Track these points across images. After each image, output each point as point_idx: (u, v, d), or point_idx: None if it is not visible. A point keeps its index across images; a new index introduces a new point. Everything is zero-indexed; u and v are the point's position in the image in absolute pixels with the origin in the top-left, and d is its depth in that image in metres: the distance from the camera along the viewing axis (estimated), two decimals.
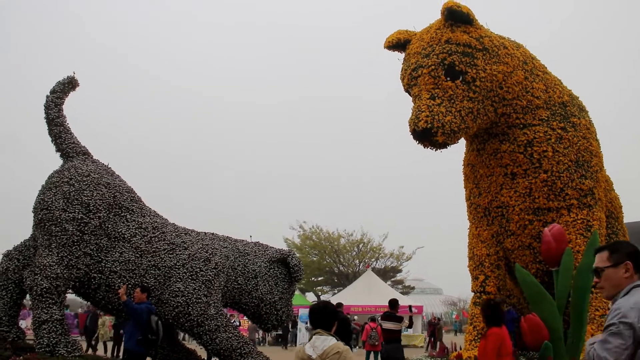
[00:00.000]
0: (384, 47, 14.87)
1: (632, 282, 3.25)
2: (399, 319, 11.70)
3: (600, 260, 3.30)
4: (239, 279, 11.54)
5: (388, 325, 11.63)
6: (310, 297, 55.87)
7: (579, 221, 14.04)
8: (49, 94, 12.18)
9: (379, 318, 12.75)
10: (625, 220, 17.07)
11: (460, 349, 15.79)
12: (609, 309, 11.96)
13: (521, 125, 14.31)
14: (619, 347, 2.95)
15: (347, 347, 4.94)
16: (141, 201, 12.28)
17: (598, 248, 3.47)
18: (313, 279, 55.23)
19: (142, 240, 11.49)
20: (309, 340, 4.83)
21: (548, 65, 15.48)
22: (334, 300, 34.34)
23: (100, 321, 21.54)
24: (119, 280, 11.00)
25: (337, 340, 4.76)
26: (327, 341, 4.67)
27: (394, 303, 11.95)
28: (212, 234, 12.36)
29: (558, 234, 8.36)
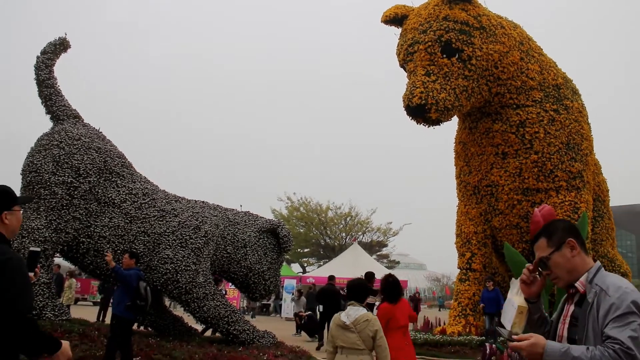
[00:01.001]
0: (381, 21, 14.77)
1: (585, 260, 2.87)
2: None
3: (541, 249, 2.91)
4: (228, 247, 11.54)
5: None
6: (296, 268, 56.15)
7: (566, 203, 14.18)
8: (39, 54, 11.96)
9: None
10: (611, 203, 17.22)
11: (444, 324, 16.03)
12: None
13: (514, 106, 14.35)
14: None
15: (374, 316, 5.81)
16: (132, 167, 12.15)
17: (533, 238, 3.05)
18: (299, 250, 55.39)
19: (132, 206, 11.40)
20: (344, 310, 5.66)
21: (545, 47, 15.46)
22: (323, 272, 34.62)
23: (66, 284, 20.87)
24: (108, 246, 10.92)
25: (367, 311, 5.61)
26: (359, 311, 5.54)
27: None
28: (203, 202, 12.30)
29: (548, 214, 8.42)
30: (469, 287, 15.08)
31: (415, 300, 30.66)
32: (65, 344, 3.03)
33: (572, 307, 2.87)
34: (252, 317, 28.92)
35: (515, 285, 3.13)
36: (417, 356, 11.26)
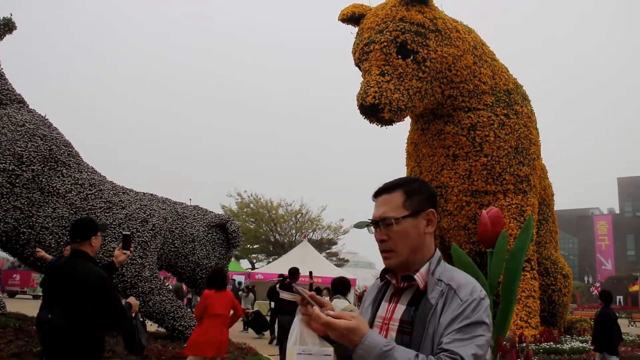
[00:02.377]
0: (338, 19, 14.75)
1: (432, 244, 2.31)
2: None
3: (389, 205, 2.17)
4: (176, 241, 11.36)
5: (285, 295, 10.55)
6: (245, 264, 55.85)
7: (513, 206, 14.48)
8: None
9: (277, 287, 11.93)
10: (556, 207, 17.69)
11: None
12: (535, 291, 12.42)
13: (466, 109, 14.56)
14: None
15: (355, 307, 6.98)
16: (79, 156, 11.80)
17: (382, 187, 2.29)
18: (249, 246, 55.12)
19: (78, 197, 11.07)
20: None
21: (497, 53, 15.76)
22: (272, 269, 34.47)
23: None
24: (51, 237, 10.59)
25: (349, 302, 6.74)
26: (344, 303, 6.65)
27: (293, 272, 11.22)
28: (151, 194, 12.06)
29: (495, 217, 8.56)
30: None
31: (361, 299, 30.74)
32: None
33: (400, 307, 2.19)
34: None
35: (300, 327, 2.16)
36: None
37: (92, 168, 11.96)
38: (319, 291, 14.60)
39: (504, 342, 8.30)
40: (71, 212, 10.94)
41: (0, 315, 10.22)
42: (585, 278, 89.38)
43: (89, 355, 3.97)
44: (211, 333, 7.45)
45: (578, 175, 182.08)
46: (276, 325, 14.05)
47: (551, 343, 12.87)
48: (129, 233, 5.11)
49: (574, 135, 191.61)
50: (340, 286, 7.13)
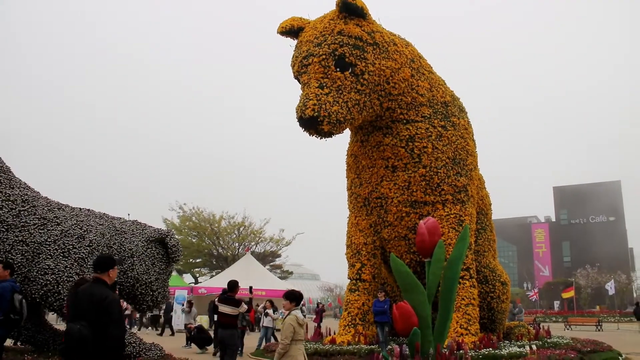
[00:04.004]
0: (277, 32, 14.83)
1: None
2: (237, 303, 10.68)
3: None
4: (116, 257, 11.12)
5: (225, 309, 10.59)
6: (188, 279, 55.00)
7: (452, 215, 14.81)
8: None
9: (216, 300, 11.82)
10: (497, 216, 18.19)
11: (334, 333, 16.23)
12: (474, 298, 12.72)
13: (404, 121, 14.84)
14: None
15: None
16: (10, 172, 11.43)
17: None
18: (191, 260, 54.37)
19: (9, 214, 10.71)
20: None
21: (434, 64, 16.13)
22: (215, 282, 34.07)
23: None
24: None
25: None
26: (300, 313, 7.57)
27: (232, 285, 11.07)
28: (88, 209, 11.78)
29: (432, 227, 8.80)
30: (358, 297, 15.36)
31: (320, 312, 30.46)
32: None
33: None
34: (139, 329, 27.93)
35: None
36: None
37: (25, 184, 11.60)
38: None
39: (443, 350, 8.47)
40: (2, 229, 10.56)
41: None
42: (525, 284, 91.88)
43: (106, 356, 5.24)
44: None
45: (517, 185, 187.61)
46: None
47: (490, 349, 13.17)
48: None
49: (513, 145, 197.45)
50: (299, 298, 7.87)
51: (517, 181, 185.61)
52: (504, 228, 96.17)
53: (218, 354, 17.35)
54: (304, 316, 7.99)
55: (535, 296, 63.31)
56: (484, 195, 17.39)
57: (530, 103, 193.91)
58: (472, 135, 16.01)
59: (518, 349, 13.47)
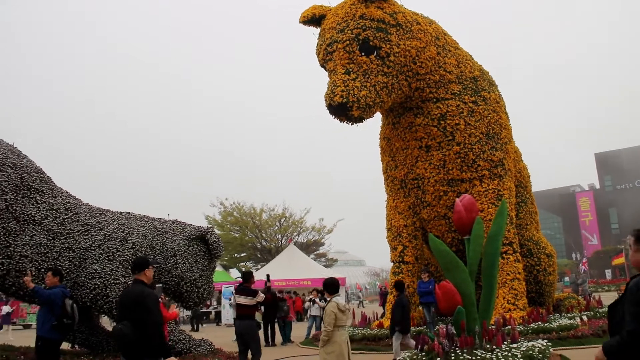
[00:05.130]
0: (299, 22, 14.83)
1: None
2: (253, 293, 10.37)
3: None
4: (157, 257, 11.33)
5: (241, 299, 10.36)
6: (234, 274, 55.62)
7: (490, 191, 14.65)
8: None
9: (233, 292, 11.67)
10: (535, 189, 17.90)
11: (381, 317, 16.28)
12: (519, 273, 12.54)
13: (435, 99, 14.71)
14: None
15: None
16: (51, 181, 11.74)
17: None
18: (236, 255, 54.91)
19: (54, 222, 11.03)
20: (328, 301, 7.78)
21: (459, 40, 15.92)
22: (261, 275, 34.44)
23: None
24: (31, 265, 10.52)
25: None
26: (342, 299, 7.46)
27: (247, 275, 10.92)
28: (129, 213, 12.03)
29: (469, 204, 8.69)
30: (403, 280, 15.34)
31: (384, 295, 30.36)
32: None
33: None
34: (195, 328, 28.31)
35: None
36: (355, 351, 11.44)
37: (67, 192, 11.91)
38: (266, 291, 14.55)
39: (490, 326, 8.42)
40: (49, 237, 10.89)
41: None
42: (573, 255, 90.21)
43: (149, 352, 5.67)
44: None
45: (557, 154, 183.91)
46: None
47: (539, 322, 13.03)
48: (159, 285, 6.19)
49: (549, 115, 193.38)
50: (334, 286, 7.95)
51: (556, 151, 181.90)
52: (546, 200, 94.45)
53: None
54: (349, 302, 8.05)
55: (584, 266, 62.16)
56: (522, 168, 17.13)
57: (573, 70, 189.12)
58: (505, 108, 15.78)
59: (568, 321, 13.30)
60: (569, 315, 14.99)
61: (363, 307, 45.79)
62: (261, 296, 10.36)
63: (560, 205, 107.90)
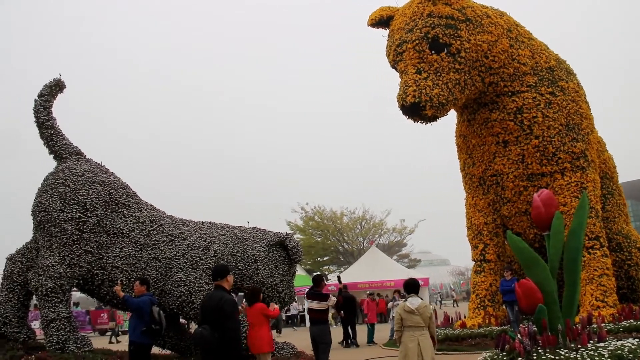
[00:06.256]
0: (368, 25, 14.90)
1: None
2: (325, 297, 10.25)
3: None
4: (239, 264, 11.65)
5: (312, 304, 10.29)
6: None
7: (573, 184, 14.16)
8: (37, 97, 12.26)
9: (305, 297, 11.69)
10: (620, 179, 17.12)
11: (464, 317, 16.04)
12: (608, 268, 12.07)
13: (510, 93, 14.40)
14: None
15: (428, 303, 8.12)
16: (137, 196, 12.37)
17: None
18: (319, 259, 55.43)
19: (141, 234, 11.62)
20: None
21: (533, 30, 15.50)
22: (344, 278, 34.60)
23: None
24: (121, 275, 11.14)
25: (422, 299, 7.86)
26: (418, 300, 7.74)
27: (317, 280, 10.74)
28: (210, 222, 12.45)
29: (547, 199, 8.46)
30: (485, 279, 15.10)
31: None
32: None
33: None
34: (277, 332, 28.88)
35: None
36: (438, 351, 11.39)
37: (151, 205, 12.50)
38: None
39: (574, 325, 8.17)
40: (137, 249, 11.48)
41: (88, 352, 10.78)
42: None
43: (229, 354, 6.04)
44: (250, 336, 9.33)
45: None
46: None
47: (632, 320, 12.45)
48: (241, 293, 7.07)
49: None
50: (412, 286, 8.01)
51: None
52: (637, 190, 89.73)
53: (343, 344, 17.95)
54: (436, 302, 8.07)
55: None
56: (607, 158, 16.43)
57: None
58: (585, 97, 15.22)
59: None
60: None
61: (443, 306, 45.26)
62: (333, 300, 10.44)
63: None
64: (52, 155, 12.29)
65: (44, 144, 12.27)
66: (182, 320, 14.30)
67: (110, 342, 23.53)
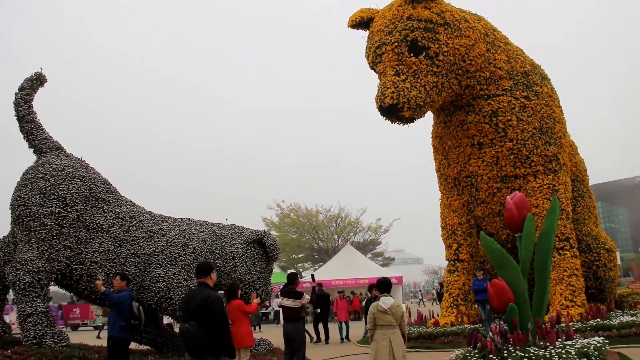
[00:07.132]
0: (348, 26, 15.08)
1: None
2: (298, 295, 10.39)
3: None
4: (217, 261, 11.76)
5: (287, 302, 10.45)
6: None
7: (545, 186, 14.52)
8: (17, 91, 12.18)
9: (279, 294, 11.89)
10: (596, 182, 17.55)
11: (437, 315, 16.34)
12: (577, 269, 12.41)
13: (485, 96, 14.70)
14: None
15: (400, 302, 8.33)
16: (117, 192, 12.40)
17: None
18: (293, 256, 55.61)
19: (121, 230, 11.67)
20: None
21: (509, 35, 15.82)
22: (319, 276, 34.76)
23: None
24: (100, 270, 11.18)
25: (394, 299, 7.97)
26: (390, 299, 7.87)
27: (292, 277, 10.88)
28: (189, 219, 12.55)
29: (519, 201, 8.72)
30: (458, 278, 15.41)
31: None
32: None
33: None
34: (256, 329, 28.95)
35: None
36: (411, 349, 11.58)
37: (131, 201, 12.55)
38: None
39: (543, 324, 8.45)
40: (116, 244, 11.52)
41: (66, 347, 10.76)
42: None
43: (214, 350, 6.20)
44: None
45: (623, 145, 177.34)
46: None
47: (599, 319, 12.85)
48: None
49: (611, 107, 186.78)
50: (385, 286, 8.08)
51: (621, 141, 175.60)
52: (609, 192, 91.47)
53: (314, 341, 18.17)
54: (412, 301, 8.19)
55: None
56: (578, 162, 16.86)
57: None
58: (558, 102, 15.60)
59: (630, 318, 13.01)
60: (632, 312, 14.67)
61: (424, 305, 45.74)
62: (306, 298, 10.62)
63: (625, 197, 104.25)
64: (31, 149, 12.25)
65: (24, 137, 12.21)
66: (169, 320, 14.44)
67: (99, 337, 23.50)
